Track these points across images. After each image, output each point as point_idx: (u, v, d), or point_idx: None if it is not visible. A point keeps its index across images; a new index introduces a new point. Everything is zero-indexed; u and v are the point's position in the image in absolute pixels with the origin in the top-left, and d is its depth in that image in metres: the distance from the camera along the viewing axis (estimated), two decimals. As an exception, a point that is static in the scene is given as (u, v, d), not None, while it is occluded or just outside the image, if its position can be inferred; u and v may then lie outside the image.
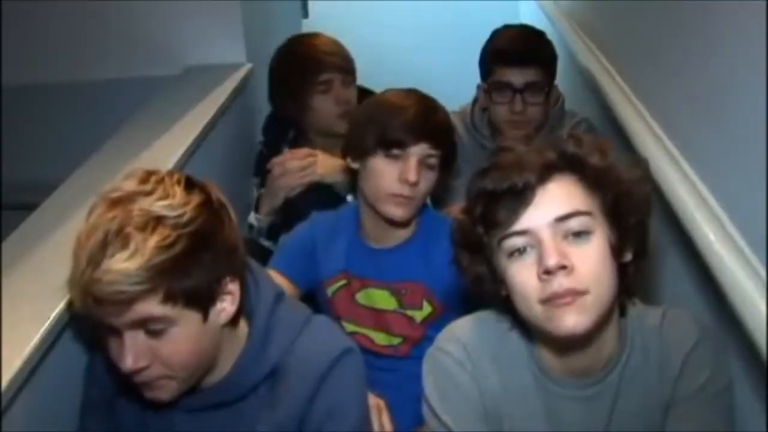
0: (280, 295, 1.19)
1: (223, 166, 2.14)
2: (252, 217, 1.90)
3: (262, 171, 2.05)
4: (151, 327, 1.00)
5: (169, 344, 1.02)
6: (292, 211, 1.81)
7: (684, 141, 1.35)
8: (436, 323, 1.51)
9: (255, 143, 2.24)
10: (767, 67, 0.99)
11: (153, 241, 0.96)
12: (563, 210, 0.99)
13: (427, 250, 1.55)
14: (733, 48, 1.14)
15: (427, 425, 1.15)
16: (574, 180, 1.02)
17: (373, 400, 1.30)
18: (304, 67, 1.96)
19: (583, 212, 1.00)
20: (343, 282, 1.61)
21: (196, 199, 1.03)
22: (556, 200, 1.00)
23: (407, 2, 3.87)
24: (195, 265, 1.00)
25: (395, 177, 1.48)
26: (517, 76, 1.83)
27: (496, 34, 1.95)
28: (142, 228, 0.96)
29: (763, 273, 1.01)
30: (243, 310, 1.14)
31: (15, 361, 1.04)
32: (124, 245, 0.95)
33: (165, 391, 1.07)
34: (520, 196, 0.99)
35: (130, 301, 0.97)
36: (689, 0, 1.32)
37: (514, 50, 1.86)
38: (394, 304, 1.58)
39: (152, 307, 0.98)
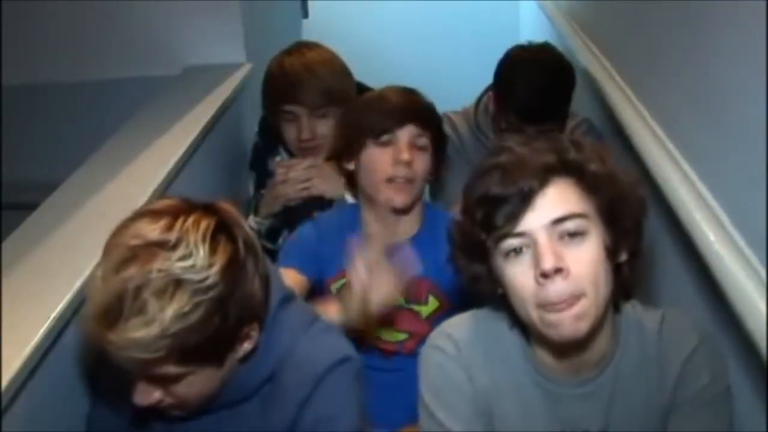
0: (286, 298, 1.17)
1: (222, 166, 2.13)
2: (251, 221, 1.86)
3: (256, 164, 2.04)
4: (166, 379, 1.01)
5: (184, 387, 1.02)
6: (290, 220, 1.78)
7: (684, 141, 1.34)
8: (442, 319, 1.50)
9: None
10: (767, 67, 0.99)
11: (171, 309, 0.93)
12: (559, 212, 1.00)
13: (434, 244, 1.51)
14: (733, 48, 1.14)
15: (421, 421, 1.15)
16: (572, 182, 1.02)
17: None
18: (272, 90, 1.88)
19: (578, 214, 1.00)
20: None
21: (220, 259, 0.98)
22: (553, 203, 1.00)
23: (407, 2, 3.87)
24: (213, 328, 0.97)
25: (389, 161, 1.50)
26: (529, 129, 1.74)
27: (522, 74, 1.81)
28: (161, 293, 0.93)
29: (763, 273, 1.01)
30: None
31: (15, 361, 1.04)
32: (141, 311, 0.93)
33: (177, 414, 1.09)
34: (523, 201, 1.00)
35: (145, 363, 0.97)
36: (689, 0, 1.33)
37: (531, 109, 1.77)
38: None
39: (167, 368, 0.98)
